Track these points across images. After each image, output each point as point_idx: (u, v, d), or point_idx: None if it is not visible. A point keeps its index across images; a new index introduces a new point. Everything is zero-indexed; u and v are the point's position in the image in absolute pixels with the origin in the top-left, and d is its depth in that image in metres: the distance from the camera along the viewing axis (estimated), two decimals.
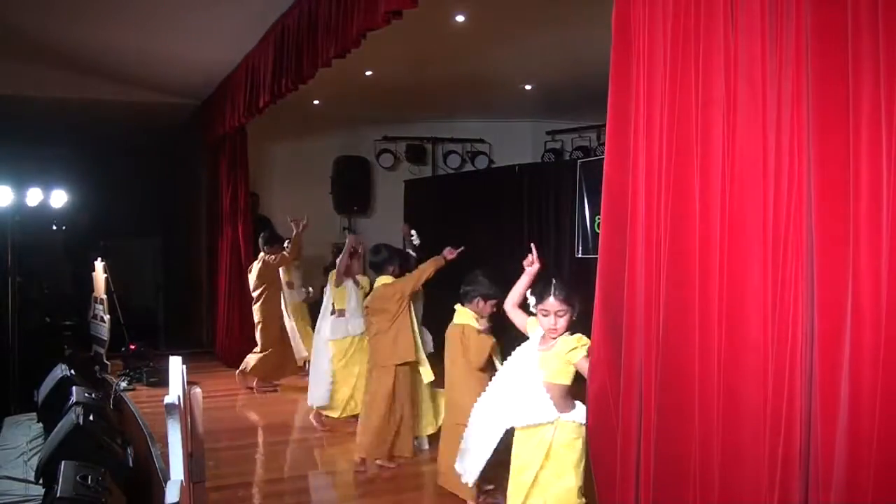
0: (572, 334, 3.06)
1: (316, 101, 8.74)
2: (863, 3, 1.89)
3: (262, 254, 6.85)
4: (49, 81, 7.59)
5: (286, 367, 6.88)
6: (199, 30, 6.21)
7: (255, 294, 6.85)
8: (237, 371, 6.91)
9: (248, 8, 5.69)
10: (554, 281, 3.07)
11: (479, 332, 3.96)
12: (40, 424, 5.58)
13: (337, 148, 10.10)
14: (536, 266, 3.28)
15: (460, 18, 5.84)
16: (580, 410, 3.03)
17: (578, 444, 3.03)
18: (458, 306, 4.05)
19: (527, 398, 3.04)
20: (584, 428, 2.99)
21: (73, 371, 5.87)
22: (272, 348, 6.75)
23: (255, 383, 6.85)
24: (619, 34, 2.75)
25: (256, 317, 6.85)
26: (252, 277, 6.88)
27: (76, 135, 10.24)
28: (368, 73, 7.39)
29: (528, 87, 8.34)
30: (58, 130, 9.90)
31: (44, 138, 10.09)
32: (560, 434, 3.02)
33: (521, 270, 3.32)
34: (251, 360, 6.78)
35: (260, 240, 6.96)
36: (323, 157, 9.98)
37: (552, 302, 3.03)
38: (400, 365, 4.58)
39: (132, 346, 7.34)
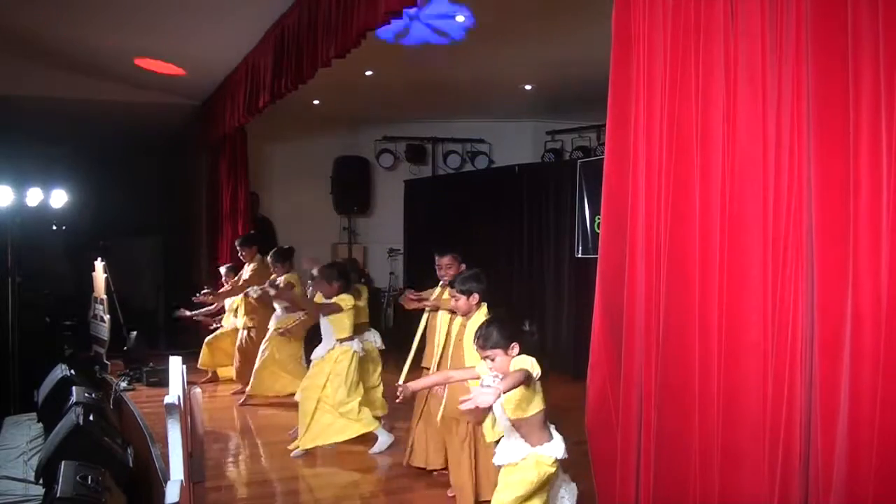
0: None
1: (316, 101, 8.73)
2: (863, 2, 1.89)
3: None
4: (49, 81, 7.59)
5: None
6: (199, 30, 6.21)
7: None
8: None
9: (248, 8, 5.69)
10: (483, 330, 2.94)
11: None
12: (40, 424, 5.58)
13: (337, 148, 10.10)
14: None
15: (460, 19, 5.84)
16: (556, 443, 2.81)
17: (536, 477, 2.77)
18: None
19: (505, 437, 2.90)
20: (557, 463, 2.80)
21: (73, 371, 5.87)
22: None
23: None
24: (619, 34, 2.75)
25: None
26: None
27: (76, 135, 10.23)
28: (368, 73, 7.39)
29: (528, 87, 8.34)
30: (58, 130, 9.90)
31: (44, 138, 10.09)
32: (529, 467, 2.79)
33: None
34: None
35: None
36: (323, 157, 9.98)
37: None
38: None
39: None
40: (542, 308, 7.72)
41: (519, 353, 2.85)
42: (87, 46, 6.73)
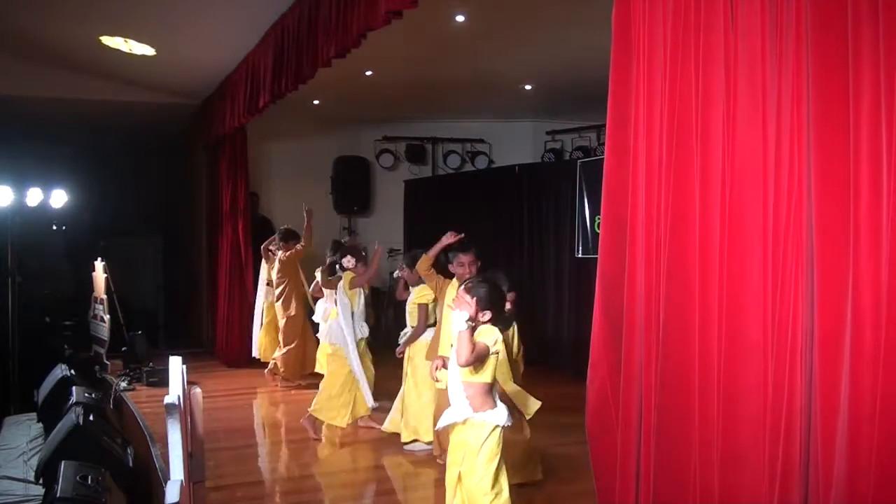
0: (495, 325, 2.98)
1: (316, 101, 8.73)
2: (863, 2, 1.89)
3: (280, 252, 7.00)
4: (49, 81, 7.58)
5: (306, 364, 6.97)
6: (199, 30, 6.20)
7: (276, 291, 7.01)
8: (267, 371, 7.20)
9: (248, 8, 5.69)
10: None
11: None
12: (40, 424, 5.57)
13: (337, 148, 10.10)
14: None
15: (460, 18, 5.83)
16: (498, 412, 2.93)
17: (489, 445, 2.90)
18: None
19: (452, 397, 3.00)
20: (498, 429, 2.91)
21: (73, 371, 5.86)
22: (296, 342, 6.91)
23: (279, 381, 7.06)
24: (619, 34, 2.75)
25: (280, 313, 7.00)
26: (273, 275, 7.05)
27: (76, 134, 10.23)
28: (368, 73, 7.38)
29: (528, 87, 8.34)
30: (58, 130, 9.90)
31: (44, 138, 10.08)
32: (473, 433, 2.92)
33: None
34: (279, 358, 7.00)
35: (277, 236, 7.11)
36: (323, 157, 9.98)
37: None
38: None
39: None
40: (543, 308, 7.72)
41: (489, 322, 2.96)
42: (87, 47, 6.73)
